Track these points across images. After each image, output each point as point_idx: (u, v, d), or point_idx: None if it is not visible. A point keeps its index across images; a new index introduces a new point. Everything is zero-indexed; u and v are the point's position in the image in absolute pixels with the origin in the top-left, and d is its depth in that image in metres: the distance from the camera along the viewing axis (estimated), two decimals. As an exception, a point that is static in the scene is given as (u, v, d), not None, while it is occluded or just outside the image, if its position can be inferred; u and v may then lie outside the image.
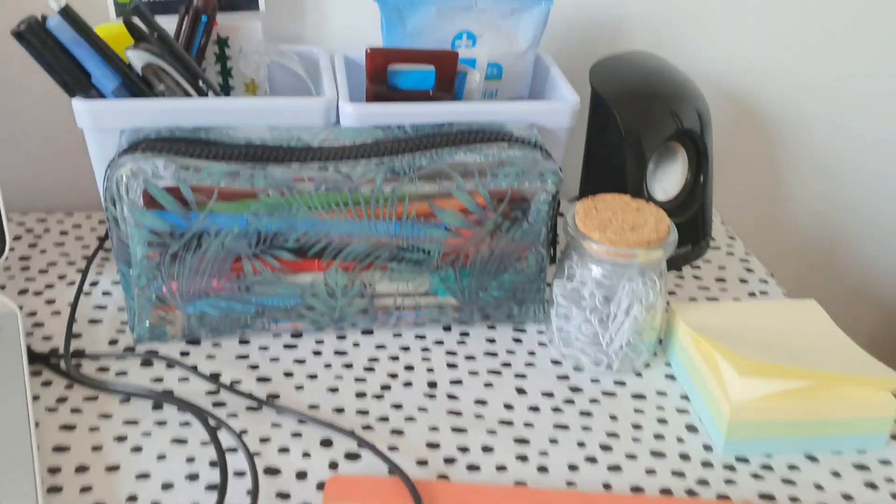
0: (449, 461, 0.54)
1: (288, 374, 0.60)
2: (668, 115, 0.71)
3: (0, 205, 0.64)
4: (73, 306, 0.64)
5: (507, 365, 0.63)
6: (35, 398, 0.57)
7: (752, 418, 0.55)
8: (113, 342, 0.63)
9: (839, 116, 0.93)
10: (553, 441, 0.56)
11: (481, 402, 0.59)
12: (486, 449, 0.55)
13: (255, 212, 0.57)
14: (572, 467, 0.54)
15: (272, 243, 0.59)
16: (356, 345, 0.64)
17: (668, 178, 0.75)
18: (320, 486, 0.52)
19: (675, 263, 0.76)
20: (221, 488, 0.50)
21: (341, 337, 0.64)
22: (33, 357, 0.60)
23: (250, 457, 0.52)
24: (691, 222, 0.75)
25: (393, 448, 0.55)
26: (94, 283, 0.69)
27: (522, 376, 0.62)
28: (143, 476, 0.52)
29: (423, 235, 0.60)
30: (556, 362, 0.63)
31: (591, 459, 0.55)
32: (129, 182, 0.55)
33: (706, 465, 0.55)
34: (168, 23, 0.67)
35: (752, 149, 0.95)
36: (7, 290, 0.68)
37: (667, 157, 0.75)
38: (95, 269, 0.70)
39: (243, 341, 0.63)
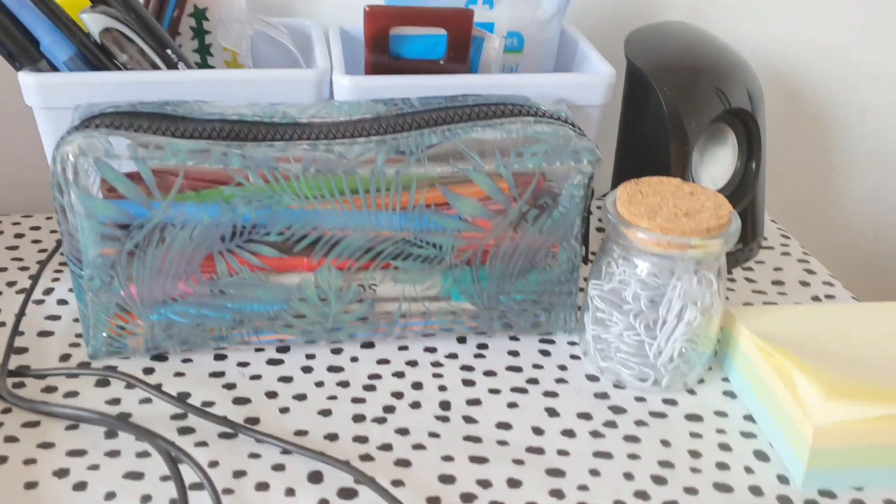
0: (467, 498, 0.45)
1: (271, 395, 0.51)
2: (714, 93, 0.62)
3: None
4: (19, 316, 0.54)
5: (533, 382, 0.53)
6: (-38, 425, 0.47)
7: (839, 444, 0.46)
8: (65, 357, 0.53)
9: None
10: (594, 472, 0.47)
11: (505, 426, 0.49)
12: (513, 483, 0.46)
13: (230, 198, 0.48)
14: (619, 505, 0.45)
15: (251, 237, 0.49)
16: (354, 359, 0.54)
17: (717, 165, 0.65)
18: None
19: (724, 265, 0.66)
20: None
21: (336, 350, 0.55)
22: (-35, 376, 0.50)
23: (216, 495, 0.42)
24: (742, 216, 0.65)
25: (398, 483, 0.46)
26: (48, 291, 0.59)
27: (553, 395, 0.52)
28: (86, 521, 0.42)
29: (434, 227, 0.51)
30: (592, 378, 0.53)
31: (642, 495, 0.46)
32: (77, 162, 0.46)
33: (783, 500, 0.46)
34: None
35: (801, 137, 0.86)
36: (-52, 299, 0.58)
37: (714, 140, 0.65)
38: (51, 276, 0.61)
39: (219, 356, 0.54)
